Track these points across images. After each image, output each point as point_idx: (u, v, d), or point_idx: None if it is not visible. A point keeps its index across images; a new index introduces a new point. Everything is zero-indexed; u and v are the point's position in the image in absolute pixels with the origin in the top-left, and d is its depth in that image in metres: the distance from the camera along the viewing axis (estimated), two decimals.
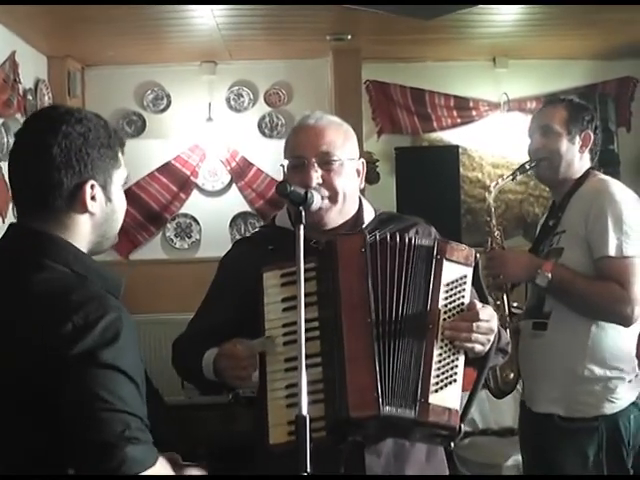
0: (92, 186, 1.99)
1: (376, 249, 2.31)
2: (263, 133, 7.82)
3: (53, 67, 7.32)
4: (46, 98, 7.07)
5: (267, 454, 2.26)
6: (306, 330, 2.08)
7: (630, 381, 3.36)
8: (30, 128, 2.02)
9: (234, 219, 7.75)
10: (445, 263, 2.32)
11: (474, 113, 7.93)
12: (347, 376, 2.19)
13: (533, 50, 7.53)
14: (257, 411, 2.36)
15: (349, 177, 2.58)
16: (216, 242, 7.46)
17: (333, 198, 2.53)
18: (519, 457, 4.73)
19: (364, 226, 2.61)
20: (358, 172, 2.64)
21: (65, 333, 1.79)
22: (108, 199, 2.05)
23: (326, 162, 2.53)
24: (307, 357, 2.03)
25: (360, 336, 2.23)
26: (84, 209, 1.99)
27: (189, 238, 7.84)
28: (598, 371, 3.32)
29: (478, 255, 2.38)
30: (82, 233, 2.01)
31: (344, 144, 2.59)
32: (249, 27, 6.60)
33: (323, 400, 2.20)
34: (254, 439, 2.48)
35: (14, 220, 2.05)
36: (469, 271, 2.35)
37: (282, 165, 2.61)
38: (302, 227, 2.19)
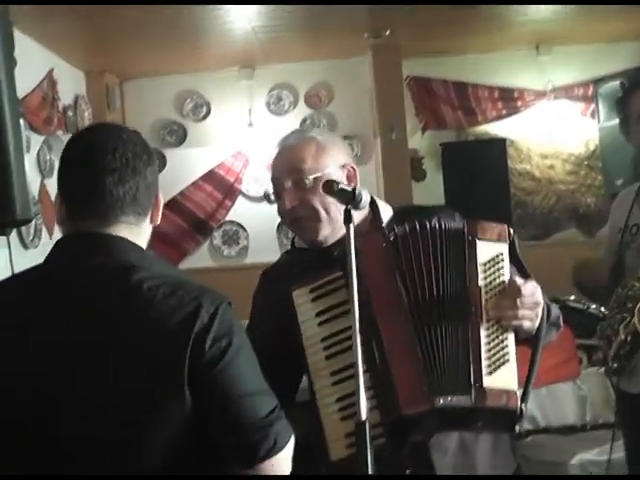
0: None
1: (398, 242, 2.25)
2: None
3: (91, 82, 7.38)
4: (86, 114, 7.11)
5: (328, 467, 2.20)
6: (346, 339, 2.10)
7: None
8: (94, 143, 1.98)
9: (281, 224, 7.70)
10: (478, 243, 2.25)
11: (519, 103, 7.83)
12: (393, 375, 2.13)
13: (577, 35, 7.40)
14: (311, 425, 2.29)
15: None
16: (264, 247, 7.46)
17: (314, 217, 2.47)
18: (584, 455, 4.65)
19: (383, 225, 2.53)
20: (349, 178, 2.54)
21: (202, 321, 1.82)
22: None
23: (299, 182, 2.47)
24: (351, 367, 2.02)
25: (398, 332, 2.17)
26: (156, 218, 2.05)
27: (237, 245, 7.84)
28: None
29: (512, 231, 2.30)
30: (145, 240, 2.03)
31: (316, 158, 2.50)
32: (284, 29, 6.58)
33: (377, 406, 2.14)
34: (310, 448, 2.41)
35: None
36: (505, 248, 2.28)
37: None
38: (352, 226, 2.11)
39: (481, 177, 7.03)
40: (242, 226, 7.83)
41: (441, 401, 2.10)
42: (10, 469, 1.88)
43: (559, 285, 4.06)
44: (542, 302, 2.26)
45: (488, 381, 2.13)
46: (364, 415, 1.88)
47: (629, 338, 3.27)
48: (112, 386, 1.82)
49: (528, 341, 2.28)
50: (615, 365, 3.40)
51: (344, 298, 2.22)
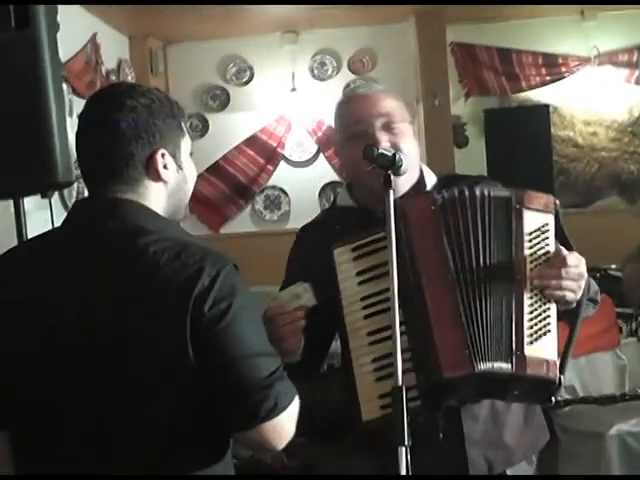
0: (163, 155, 1.99)
1: (446, 207, 2.23)
2: None
3: (134, 46, 7.41)
4: (129, 78, 7.12)
5: (360, 429, 2.21)
6: (386, 300, 2.07)
7: None
8: (95, 106, 2.04)
9: (323, 189, 7.73)
10: (525, 212, 2.23)
11: (563, 69, 7.74)
12: (435, 337, 2.12)
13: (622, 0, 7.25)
14: (344, 387, 2.30)
15: (412, 141, 2.49)
16: (306, 213, 7.40)
17: None
18: (622, 426, 4.62)
19: (428, 189, 2.52)
20: (415, 136, 2.56)
21: (203, 284, 1.84)
22: (179, 167, 2.05)
23: (389, 127, 2.45)
24: (389, 328, 2.00)
25: (443, 295, 2.16)
26: (158, 177, 2.00)
27: (278, 210, 7.86)
28: None
29: (557, 202, 2.28)
30: (158, 202, 2.02)
31: (400, 108, 2.52)
32: None
33: (413, 369, 2.13)
34: (345, 414, 2.43)
35: None
36: (550, 218, 2.25)
37: (337, 142, 2.57)
38: (391, 192, 2.10)
39: (524, 144, 6.98)
40: (284, 191, 7.84)
41: (481, 366, 2.09)
42: (43, 429, 1.94)
43: (600, 253, 4.04)
44: (586, 274, 2.24)
45: (529, 350, 2.12)
46: (401, 380, 1.89)
47: None
48: (122, 351, 1.86)
49: (566, 315, 2.26)
50: None
51: (387, 259, 2.18)
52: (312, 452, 4.83)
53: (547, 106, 7.51)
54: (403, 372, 2.00)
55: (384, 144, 2.39)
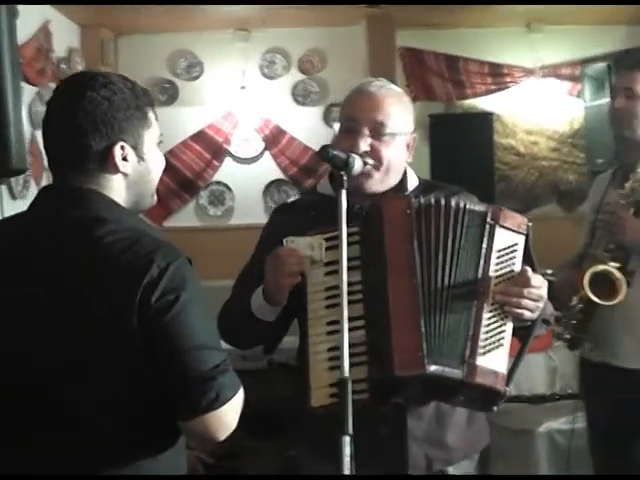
0: (122, 147, 2.02)
1: (421, 212, 2.30)
2: (296, 100, 7.80)
3: (86, 36, 7.32)
4: (79, 67, 7.06)
5: (307, 417, 2.28)
6: (349, 293, 2.10)
7: None
8: (58, 95, 2.08)
9: (267, 186, 7.74)
10: (498, 229, 2.31)
11: (508, 79, 7.84)
12: (392, 335, 2.19)
13: (569, 15, 7.39)
14: (297, 375, 2.37)
15: (397, 150, 2.57)
16: (249, 209, 7.51)
17: (377, 167, 2.53)
18: (551, 424, 4.78)
19: (407, 193, 2.60)
20: (408, 146, 2.63)
21: (152, 275, 1.89)
22: (141, 159, 2.08)
23: (378, 132, 2.52)
24: (349, 320, 2.05)
25: (406, 296, 2.23)
26: (116, 170, 2.03)
27: (222, 205, 7.85)
28: None
29: (530, 223, 2.37)
30: (118, 192, 2.06)
31: (400, 117, 2.58)
32: None
33: (366, 362, 2.21)
34: (294, 403, 2.50)
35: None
36: (521, 239, 2.34)
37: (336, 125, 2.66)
38: (344, 191, 2.18)
39: (467, 149, 7.09)
40: (228, 187, 7.83)
41: (432, 368, 2.17)
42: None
43: (537, 258, 4.14)
44: (546, 297, 2.33)
45: (481, 360, 2.21)
46: (347, 372, 1.96)
47: (581, 306, 3.37)
48: (76, 340, 1.92)
49: (519, 331, 2.35)
50: (568, 336, 3.50)
51: (356, 254, 2.28)
52: (251, 446, 4.88)
53: (491, 114, 7.62)
54: (357, 364, 2.10)
55: (362, 149, 2.49)
